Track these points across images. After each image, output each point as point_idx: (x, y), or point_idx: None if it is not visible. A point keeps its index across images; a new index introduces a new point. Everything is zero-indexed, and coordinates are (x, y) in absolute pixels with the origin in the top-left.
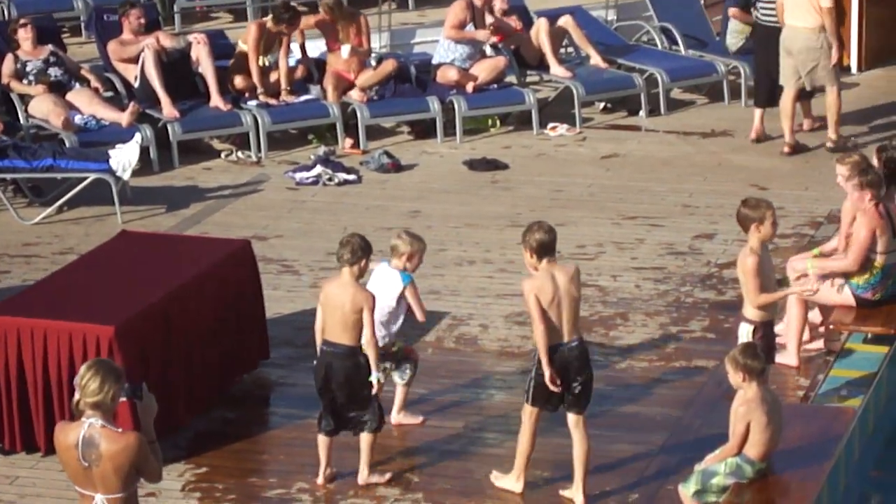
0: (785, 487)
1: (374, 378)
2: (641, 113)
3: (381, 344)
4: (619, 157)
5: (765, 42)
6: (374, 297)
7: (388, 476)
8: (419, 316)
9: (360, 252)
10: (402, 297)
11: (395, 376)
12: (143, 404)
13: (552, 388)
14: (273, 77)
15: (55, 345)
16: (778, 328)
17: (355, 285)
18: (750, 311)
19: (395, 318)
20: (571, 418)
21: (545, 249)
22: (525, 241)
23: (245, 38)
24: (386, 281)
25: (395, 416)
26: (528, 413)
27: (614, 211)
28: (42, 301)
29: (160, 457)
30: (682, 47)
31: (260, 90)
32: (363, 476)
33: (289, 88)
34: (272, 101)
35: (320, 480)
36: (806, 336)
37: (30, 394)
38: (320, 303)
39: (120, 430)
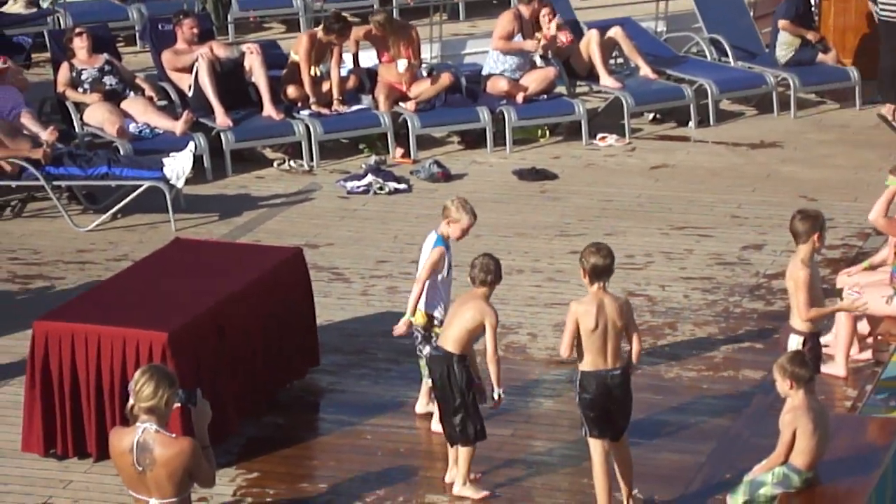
0: (832, 497)
1: (496, 394)
2: (691, 124)
3: (437, 317)
4: (669, 167)
5: (889, 37)
6: (496, 315)
7: (483, 494)
8: (418, 273)
9: (493, 274)
10: (441, 263)
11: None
12: (198, 410)
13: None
14: (325, 87)
15: (108, 351)
16: (826, 339)
17: (484, 301)
18: (798, 322)
19: (437, 285)
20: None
21: (598, 274)
22: (580, 261)
23: (297, 48)
24: (426, 243)
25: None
26: (593, 445)
27: (663, 221)
28: (96, 307)
29: (213, 462)
30: (731, 59)
31: (312, 100)
32: (457, 486)
33: (341, 98)
34: (324, 111)
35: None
36: (854, 347)
37: (82, 400)
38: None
39: (174, 435)
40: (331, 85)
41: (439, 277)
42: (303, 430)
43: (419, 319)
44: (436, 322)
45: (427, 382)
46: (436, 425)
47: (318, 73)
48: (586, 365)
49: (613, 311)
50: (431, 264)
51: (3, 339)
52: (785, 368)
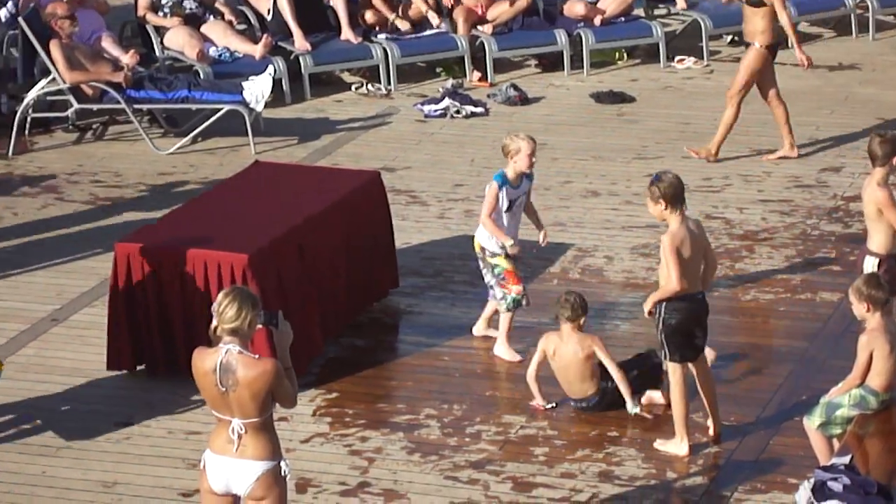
0: None
1: (630, 409)
2: None
3: (488, 248)
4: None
5: None
6: (599, 338)
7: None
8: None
9: (579, 310)
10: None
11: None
12: (280, 332)
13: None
14: (404, 9)
15: (190, 272)
16: None
17: (578, 334)
18: (875, 243)
19: (502, 217)
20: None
21: (678, 198)
22: (652, 193)
23: None
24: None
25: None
26: (672, 370)
27: (741, 143)
28: (177, 229)
29: (295, 383)
30: None
31: (391, 17)
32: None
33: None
34: (404, 27)
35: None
36: None
37: (165, 320)
38: (549, 358)
39: (257, 356)
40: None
41: (506, 214)
42: (381, 351)
43: (476, 247)
44: (487, 253)
45: (489, 307)
46: (497, 349)
47: None
48: (686, 288)
49: (700, 233)
50: (487, 204)
51: (85, 260)
52: (861, 291)
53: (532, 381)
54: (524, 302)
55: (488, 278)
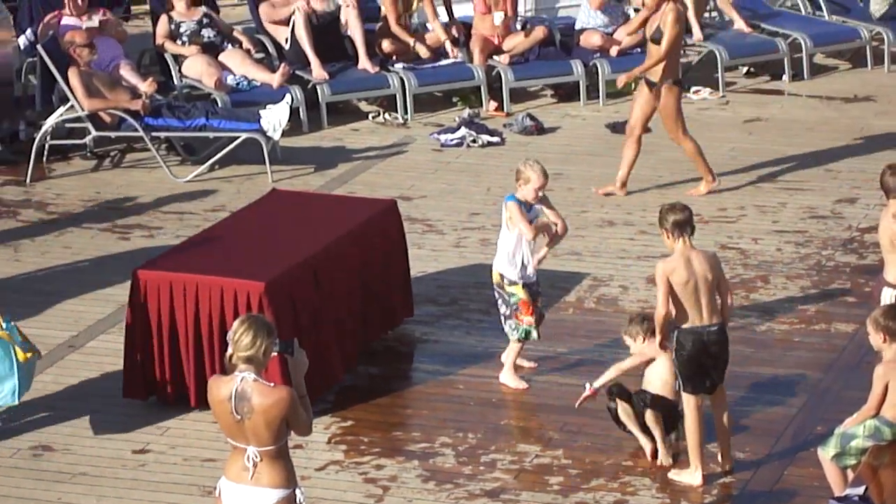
0: None
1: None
2: (784, 77)
3: (507, 277)
4: (762, 121)
5: None
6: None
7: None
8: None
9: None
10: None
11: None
12: (295, 360)
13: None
14: (418, 39)
15: (207, 300)
16: None
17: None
18: (892, 274)
19: (511, 245)
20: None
21: (680, 227)
22: (660, 223)
23: None
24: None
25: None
26: (687, 401)
27: (756, 174)
28: (194, 257)
29: (310, 411)
30: (825, 13)
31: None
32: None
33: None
34: (424, 53)
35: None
36: None
37: (181, 348)
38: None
39: (272, 384)
40: (425, 37)
41: (518, 237)
42: (396, 379)
43: (494, 276)
44: (505, 281)
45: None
46: (504, 377)
47: (411, 26)
48: (684, 322)
49: (702, 265)
50: (516, 215)
51: (102, 287)
52: (878, 322)
53: (614, 370)
54: (535, 335)
55: (503, 309)
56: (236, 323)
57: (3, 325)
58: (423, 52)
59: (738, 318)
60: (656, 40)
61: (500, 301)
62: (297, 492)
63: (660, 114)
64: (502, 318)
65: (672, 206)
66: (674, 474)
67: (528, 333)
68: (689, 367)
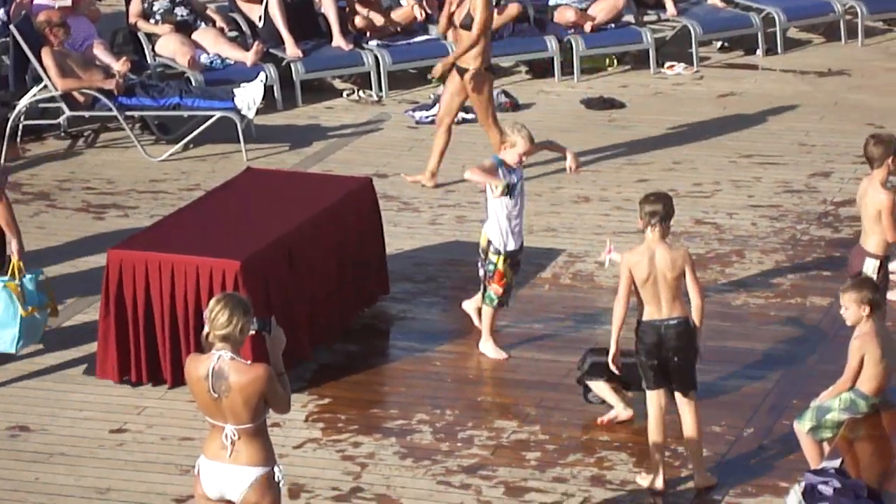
0: None
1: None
2: (758, 52)
3: (494, 244)
4: (736, 95)
5: None
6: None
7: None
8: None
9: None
10: (494, 172)
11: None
12: (272, 337)
13: (612, 368)
14: (393, 16)
15: (182, 279)
16: (893, 265)
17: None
18: (873, 244)
19: (504, 212)
20: (678, 397)
21: (650, 216)
22: (639, 212)
23: None
24: None
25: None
26: (649, 398)
27: (731, 149)
28: (169, 236)
29: (288, 388)
30: None
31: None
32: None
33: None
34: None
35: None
36: None
37: (156, 328)
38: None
39: (249, 362)
40: (398, 14)
41: (506, 205)
42: (373, 356)
43: (482, 239)
44: (491, 248)
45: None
46: (483, 346)
47: (383, 1)
48: (643, 314)
49: (664, 262)
50: (481, 167)
51: (78, 267)
52: (861, 294)
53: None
54: (508, 302)
55: (481, 273)
56: (212, 301)
57: (20, 280)
58: (386, 23)
59: (714, 293)
60: (466, 26)
61: (481, 263)
62: (276, 470)
63: (471, 100)
64: (481, 280)
65: (648, 195)
66: (641, 479)
67: (493, 301)
68: (648, 360)
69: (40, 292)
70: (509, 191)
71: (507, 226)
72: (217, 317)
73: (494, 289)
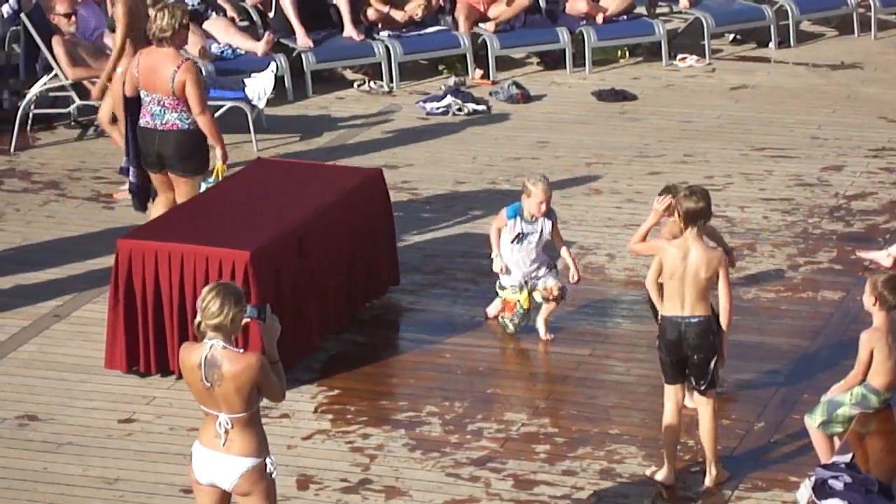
0: None
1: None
2: (771, 45)
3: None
4: (749, 88)
5: None
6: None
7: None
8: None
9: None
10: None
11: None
12: (267, 325)
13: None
14: (405, 7)
15: (192, 269)
16: (874, 254)
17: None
18: None
19: (507, 246)
20: (696, 394)
21: (692, 217)
22: (678, 204)
23: None
24: None
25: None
26: (666, 393)
27: (743, 142)
28: (179, 226)
29: (283, 377)
30: None
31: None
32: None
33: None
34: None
35: None
36: None
37: (165, 318)
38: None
39: (241, 350)
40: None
41: (512, 244)
42: (383, 348)
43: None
44: (500, 280)
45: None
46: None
47: None
48: (665, 309)
49: (699, 261)
50: (494, 228)
51: (87, 256)
52: (876, 286)
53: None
54: (510, 329)
55: (500, 282)
56: (205, 290)
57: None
58: (400, 16)
59: None
60: (111, 28)
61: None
62: (268, 461)
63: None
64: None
65: (691, 192)
66: (650, 472)
67: (505, 327)
68: (667, 356)
69: None
70: (518, 239)
71: (510, 263)
72: (208, 306)
73: (507, 316)
